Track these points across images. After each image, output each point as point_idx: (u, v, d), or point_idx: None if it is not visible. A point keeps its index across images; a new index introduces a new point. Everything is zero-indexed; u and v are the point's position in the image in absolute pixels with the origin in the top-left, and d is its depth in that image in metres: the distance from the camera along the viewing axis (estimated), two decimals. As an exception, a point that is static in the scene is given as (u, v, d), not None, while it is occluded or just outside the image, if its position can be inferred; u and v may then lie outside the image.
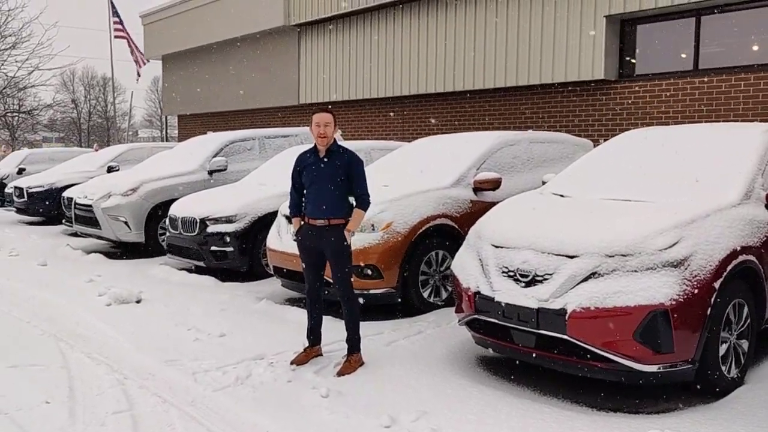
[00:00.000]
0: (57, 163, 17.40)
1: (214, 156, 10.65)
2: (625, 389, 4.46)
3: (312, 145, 5.15)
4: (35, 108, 33.77)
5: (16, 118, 38.56)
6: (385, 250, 6.22)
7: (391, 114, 14.91)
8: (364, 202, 5.03)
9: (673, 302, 3.95)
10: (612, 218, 4.51)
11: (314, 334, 5.27)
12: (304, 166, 5.10)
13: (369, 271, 6.22)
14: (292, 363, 5.05)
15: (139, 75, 26.70)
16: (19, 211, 15.01)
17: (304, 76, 16.84)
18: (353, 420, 4.09)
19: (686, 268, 4.05)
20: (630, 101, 10.87)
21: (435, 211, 6.54)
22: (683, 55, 10.51)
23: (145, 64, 25.71)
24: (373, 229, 6.27)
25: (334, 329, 5.98)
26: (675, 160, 5.25)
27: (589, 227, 4.41)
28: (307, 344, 5.26)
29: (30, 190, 14.44)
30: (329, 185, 4.95)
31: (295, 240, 5.26)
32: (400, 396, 4.44)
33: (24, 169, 18.15)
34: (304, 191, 5.14)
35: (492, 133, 8.06)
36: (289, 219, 6.93)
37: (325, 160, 5.00)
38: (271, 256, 7.05)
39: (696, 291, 4.02)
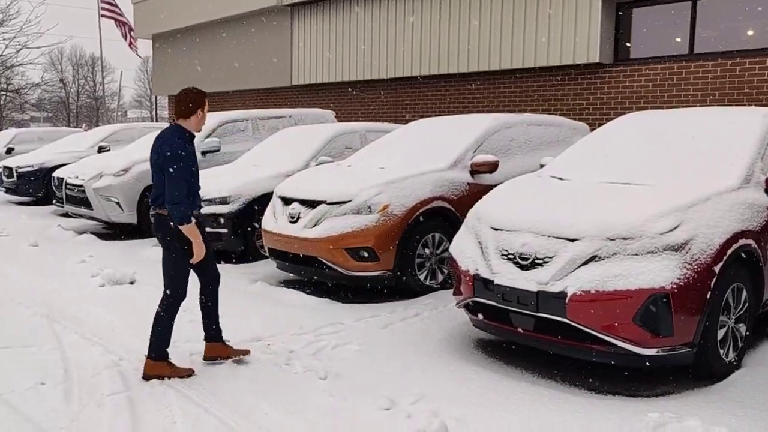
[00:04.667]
0: (46, 142, 17.24)
1: (207, 137, 10.52)
2: (623, 372, 4.46)
3: (181, 131, 4.47)
4: (23, 87, 33.38)
5: (4, 97, 38.16)
6: (381, 233, 6.18)
7: (383, 95, 14.83)
8: None
9: (674, 286, 3.94)
10: (612, 201, 4.49)
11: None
12: (194, 160, 4.51)
13: (365, 254, 6.19)
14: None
15: (137, 52, 26.27)
16: (8, 191, 14.86)
17: (297, 56, 16.70)
18: (352, 402, 4.07)
19: (687, 252, 4.04)
20: (625, 85, 10.85)
21: (432, 194, 6.51)
22: (678, 40, 10.48)
23: (136, 46, 25.35)
24: (370, 211, 6.23)
25: (328, 311, 5.98)
26: (674, 144, 5.24)
27: (589, 210, 4.39)
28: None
29: (19, 170, 14.29)
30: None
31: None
32: (398, 379, 4.42)
33: (12, 149, 17.97)
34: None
35: (489, 115, 8.01)
36: (286, 201, 6.87)
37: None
38: (267, 238, 7.00)
39: (696, 275, 4.01)
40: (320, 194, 6.53)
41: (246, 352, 4.81)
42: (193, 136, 4.55)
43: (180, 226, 4.39)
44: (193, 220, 4.45)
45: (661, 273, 3.97)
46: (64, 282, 7.13)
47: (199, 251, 4.51)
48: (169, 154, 4.33)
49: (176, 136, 4.42)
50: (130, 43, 25.02)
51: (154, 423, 3.83)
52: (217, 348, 4.79)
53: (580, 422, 3.75)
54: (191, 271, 4.63)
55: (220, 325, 4.82)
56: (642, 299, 3.95)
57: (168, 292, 4.55)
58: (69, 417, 3.91)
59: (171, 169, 4.32)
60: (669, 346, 4.04)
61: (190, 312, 5.92)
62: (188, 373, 4.51)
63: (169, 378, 4.45)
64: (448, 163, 6.88)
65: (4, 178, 14.83)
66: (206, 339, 4.81)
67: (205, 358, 4.76)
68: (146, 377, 4.46)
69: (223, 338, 4.84)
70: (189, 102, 4.47)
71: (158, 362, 4.50)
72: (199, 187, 4.60)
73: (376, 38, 14.51)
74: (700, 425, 3.62)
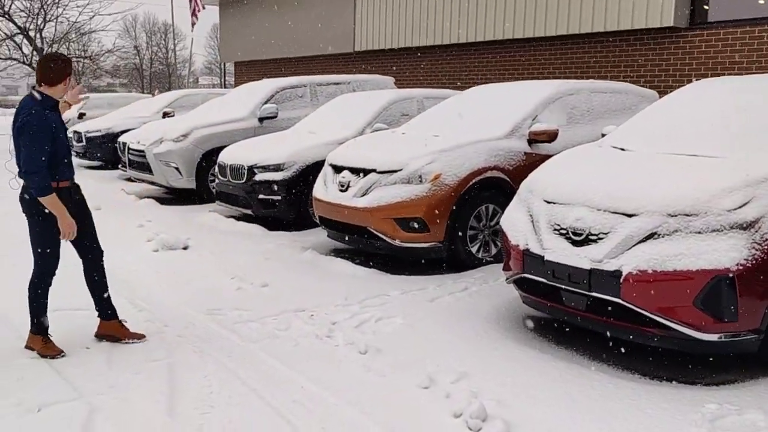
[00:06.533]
0: (116, 108, 17.62)
1: (265, 103, 10.49)
2: (680, 358, 4.18)
3: (40, 98, 4.19)
4: (98, 54, 34.16)
5: (80, 63, 39.23)
6: (432, 203, 5.99)
7: (445, 61, 14.48)
8: None
9: (740, 267, 3.63)
10: (676, 175, 4.17)
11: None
12: (58, 127, 4.21)
13: (415, 224, 6.02)
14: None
15: (193, 24, 26.53)
16: (77, 155, 15.26)
17: (360, 22, 16.45)
18: (390, 378, 3.95)
19: (756, 231, 3.71)
20: (700, 51, 10.21)
21: (486, 163, 6.26)
22: (761, 1, 9.78)
23: (199, 11, 25.52)
24: (421, 181, 6.04)
25: (376, 282, 5.86)
26: (748, 113, 4.81)
27: (650, 184, 4.09)
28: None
29: (88, 135, 14.65)
30: None
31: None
32: (441, 355, 4.26)
33: (84, 114, 18.40)
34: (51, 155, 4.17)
35: (550, 81, 7.66)
36: (336, 169, 6.74)
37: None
38: (317, 206, 6.91)
39: (765, 256, 3.68)
40: (370, 162, 6.36)
41: (141, 336, 4.58)
42: (57, 103, 4.28)
43: (40, 198, 4.11)
44: (54, 192, 4.13)
45: (727, 253, 3.66)
46: (120, 246, 7.17)
47: (66, 227, 4.24)
48: (22, 122, 4.06)
49: (34, 103, 4.15)
50: (193, 12, 25.21)
51: (190, 393, 3.79)
52: (111, 326, 4.58)
53: (630, 410, 3.52)
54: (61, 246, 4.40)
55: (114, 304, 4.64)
56: (704, 281, 3.66)
57: (34, 267, 4.38)
58: (108, 382, 3.92)
59: (24, 138, 4.05)
60: (733, 332, 3.74)
61: (238, 279, 5.94)
62: (57, 353, 4.30)
63: (40, 355, 4.28)
64: (505, 131, 6.60)
65: (75, 143, 15.21)
66: (100, 316, 4.61)
67: (97, 336, 4.58)
68: (28, 347, 4.38)
69: (120, 318, 4.64)
70: (57, 68, 4.23)
71: (34, 336, 4.38)
72: (69, 157, 4.31)
73: (440, 3, 14.12)
74: (763, 419, 3.36)
